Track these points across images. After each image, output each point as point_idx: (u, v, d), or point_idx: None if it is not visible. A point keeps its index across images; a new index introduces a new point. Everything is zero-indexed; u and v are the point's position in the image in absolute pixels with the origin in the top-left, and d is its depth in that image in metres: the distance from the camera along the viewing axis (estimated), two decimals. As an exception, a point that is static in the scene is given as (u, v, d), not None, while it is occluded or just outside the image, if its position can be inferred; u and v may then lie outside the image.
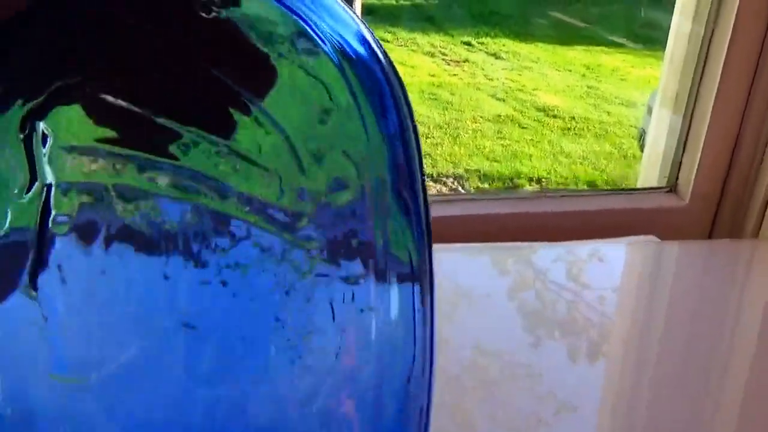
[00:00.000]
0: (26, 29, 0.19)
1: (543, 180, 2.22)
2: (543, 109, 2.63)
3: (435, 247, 0.22)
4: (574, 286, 0.55)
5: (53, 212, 0.19)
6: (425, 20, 3.37)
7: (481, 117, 2.56)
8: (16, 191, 0.19)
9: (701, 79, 0.64)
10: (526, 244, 0.60)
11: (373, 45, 0.20)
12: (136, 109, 0.19)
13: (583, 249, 0.60)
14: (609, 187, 2.13)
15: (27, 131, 0.19)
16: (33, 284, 0.20)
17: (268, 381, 0.21)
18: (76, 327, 0.20)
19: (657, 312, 0.54)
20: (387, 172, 0.20)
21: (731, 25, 0.60)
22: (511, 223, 0.64)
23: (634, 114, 2.62)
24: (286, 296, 0.20)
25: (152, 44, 0.19)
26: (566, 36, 3.26)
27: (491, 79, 2.88)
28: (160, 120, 0.19)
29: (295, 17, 0.19)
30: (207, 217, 0.20)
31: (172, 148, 0.19)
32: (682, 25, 0.67)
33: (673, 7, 0.68)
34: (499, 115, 2.58)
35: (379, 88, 0.20)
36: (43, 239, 0.19)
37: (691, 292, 0.56)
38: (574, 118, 2.58)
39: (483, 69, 2.97)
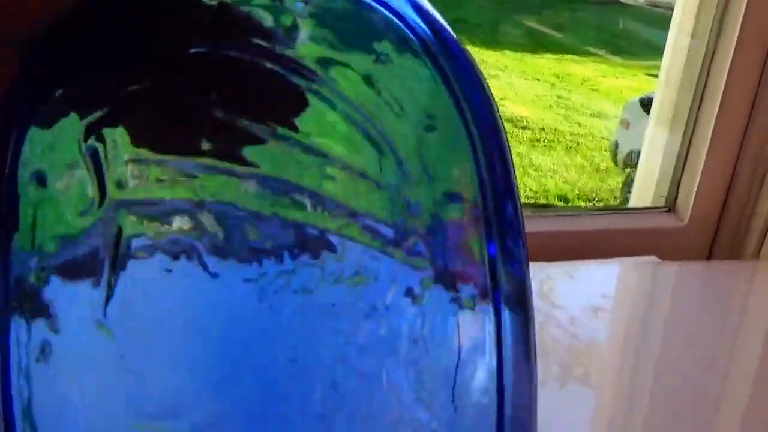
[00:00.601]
0: (95, 30, 0.18)
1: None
2: (511, 120, 2.65)
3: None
4: (567, 305, 0.55)
5: (125, 233, 0.18)
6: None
7: (446, 127, 2.55)
8: (80, 208, 0.18)
9: (702, 97, 0.65)
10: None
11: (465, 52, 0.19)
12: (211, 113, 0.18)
13: (578, 268, 0.61)
14: (584, 203, 2.16)
15: (91, 140, 0.17)
16: (104, 315, 0.18)
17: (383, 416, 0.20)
18: (159, 365, 0.19)
19: (654, 333, 0.55)
20: (489, 182, 0.19)
21: (734, 42, 0.61)
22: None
23: (606, 125, 2.65)
24: (401, 323, 0.20)
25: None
26: (535, 44, 3.29)
27: (456, 87, 2.88)
28: (239, 121, 0.18)
29: (391, 16, 0.18)
30: (304, 236, 0.18)
31: (254, 155, 0.18)
32: (679, 39, 0.68)
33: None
34: (465, 125, 2.58)
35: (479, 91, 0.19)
36: (116, 264, 0.18)
37: (689, 313, 0.57)
38: (543, 129, 2.60)
39: (447, 76, 2.96)
